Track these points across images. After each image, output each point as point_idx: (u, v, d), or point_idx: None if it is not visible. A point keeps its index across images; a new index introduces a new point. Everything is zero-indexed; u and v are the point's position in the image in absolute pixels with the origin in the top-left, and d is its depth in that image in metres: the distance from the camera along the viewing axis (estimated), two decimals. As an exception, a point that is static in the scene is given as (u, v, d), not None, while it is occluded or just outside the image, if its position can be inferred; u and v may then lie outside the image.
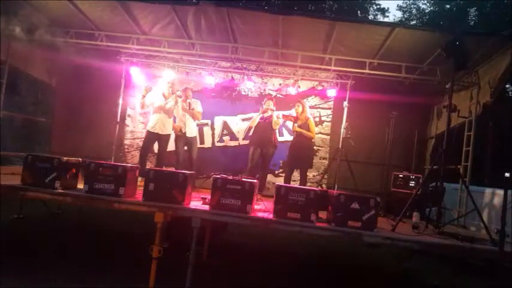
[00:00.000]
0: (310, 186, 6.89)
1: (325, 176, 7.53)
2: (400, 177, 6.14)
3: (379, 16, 20.54)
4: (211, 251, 4.89)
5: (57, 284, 3.67)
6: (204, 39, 6.70)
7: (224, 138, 7.99)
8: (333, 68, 6.77)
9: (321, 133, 7.82)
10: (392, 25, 6.36)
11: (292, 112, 6.80)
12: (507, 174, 3.45)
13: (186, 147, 6.43)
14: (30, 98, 7.75)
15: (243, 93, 7.98)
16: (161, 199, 3.88)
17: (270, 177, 7.28)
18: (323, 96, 7.77)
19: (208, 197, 4.04)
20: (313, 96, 7.88)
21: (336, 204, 3.84)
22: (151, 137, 6.18)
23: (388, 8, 35.39)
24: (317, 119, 7.73)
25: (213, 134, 8.01)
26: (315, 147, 7.29)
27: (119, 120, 7.51)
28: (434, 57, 6.05)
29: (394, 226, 4.14)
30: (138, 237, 4.83)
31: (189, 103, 6.21)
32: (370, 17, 19.97)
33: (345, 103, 6.99)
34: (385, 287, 4.60)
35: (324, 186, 7.41)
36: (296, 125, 6.24)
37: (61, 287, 3.63)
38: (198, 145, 7.10)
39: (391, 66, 6.50)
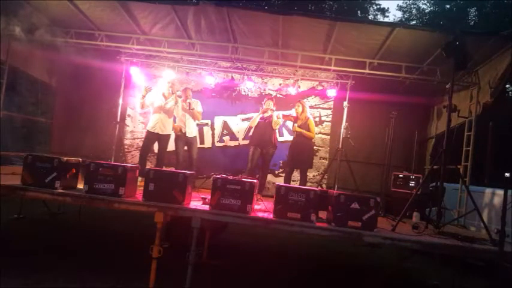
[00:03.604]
0: (310, 186, 6.89)
1: (325, 176, 7.54)
2: (400, 177, 6.14)
3: (379, 16, 20.58)
4: (211, 251, 4.89)
5: (57, 284, 3.67)
6: (204, 39, 6.70)
7: (224, 138, 7.99)
8: (333, 68, 6.76)
9: (321, 133, 7.83)
10: (392, 25, 6.35)
11: (292, 112, 6.81)
12: (507, 174, 3.45)
13: (186, 147, 6.43)
14: (30, 98, 7.74)
15: (243, 93, 7.98)
16: (161, 199, 3.88)
17: (270, 177, 7.28)
18: (323, 96, 7.77)
19: (208, 197, 4.04)
20: (313, 96, 7.89)
21: (336, 204, 3.84)
22: (151, 137, 6.18)
23: (388, 8, 35.49)
24: (317, 119, 7.74)
25: (213, 134, 8.01)
26: (315, 147, 7.29)
27: (119, 120, 7.51)
28: (434, 57, 6.05)
29: (394, 226, 4.14)
30: (138, 237, 4.84)
31: (189, 103, 6.22)
32: (370, 17, 20.00)
33: (345, 103, 6.99)
34: (385, 287, 4.60)
35: (324, 186, 7.41)
36: (296, 125, 6.23)
37: (61, 287, 3.63)
38: (198, 145, 7.10)
39: (391, 66, 6.50)
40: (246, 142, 7.52)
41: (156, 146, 6.43)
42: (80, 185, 4.25)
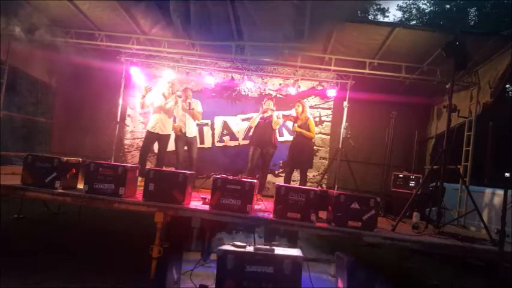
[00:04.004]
0: (310, 186, 6.89)
1: (325, 176, 7.53)
2: (400, 177, 6.14)
3: (379, 16, 20.57)
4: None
5: (57, 284, 3.67)
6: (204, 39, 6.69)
7: (224, 138, 7.98)
8: (333, 68, 6.76)
9: (321, 133, 7.82)
10: (392, 25, 6.35)
11: (292, 112, 6.81)
12: (507, 174, 3.46)
13: (186, 147, 6.42)
14: (30, 98, 7.74)
15: (243, 93, 7.97)
16: (161, 199, 3.88)
17: (270, 177, 7.27)
18: (323, 96, 7.77)
19: (208, 197, 4.04)
20: (313, 96, 7.88)
21: (336, 204, 3.84)
22: (152, 137, 6.18)
23: (388, 8, 35.35)
24: (317, 119, 7.73)
25: (213, 134, 8.00)
26: (315, 147, 7.28)
27: (119, 120, 7.50)
28: (434, 57, 6.05)
29: (394, 226, 4.15)
30: (138, 237, 4.83)
31: (189, 103, 6.21)
32: (370, 17, 19.98)
33: (345, 103, 6.99)
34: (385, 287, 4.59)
35: (324, 186, 7.41)
36: (296, 125, 6.23)
37: (61, 287, 3.63)
38: (198, 145, 7.10)
39: (391, 66, 6.50)
40: (246, 142, 7.51)
41: (156, 146, 6.43)
42: (80, 185, 4.25)
